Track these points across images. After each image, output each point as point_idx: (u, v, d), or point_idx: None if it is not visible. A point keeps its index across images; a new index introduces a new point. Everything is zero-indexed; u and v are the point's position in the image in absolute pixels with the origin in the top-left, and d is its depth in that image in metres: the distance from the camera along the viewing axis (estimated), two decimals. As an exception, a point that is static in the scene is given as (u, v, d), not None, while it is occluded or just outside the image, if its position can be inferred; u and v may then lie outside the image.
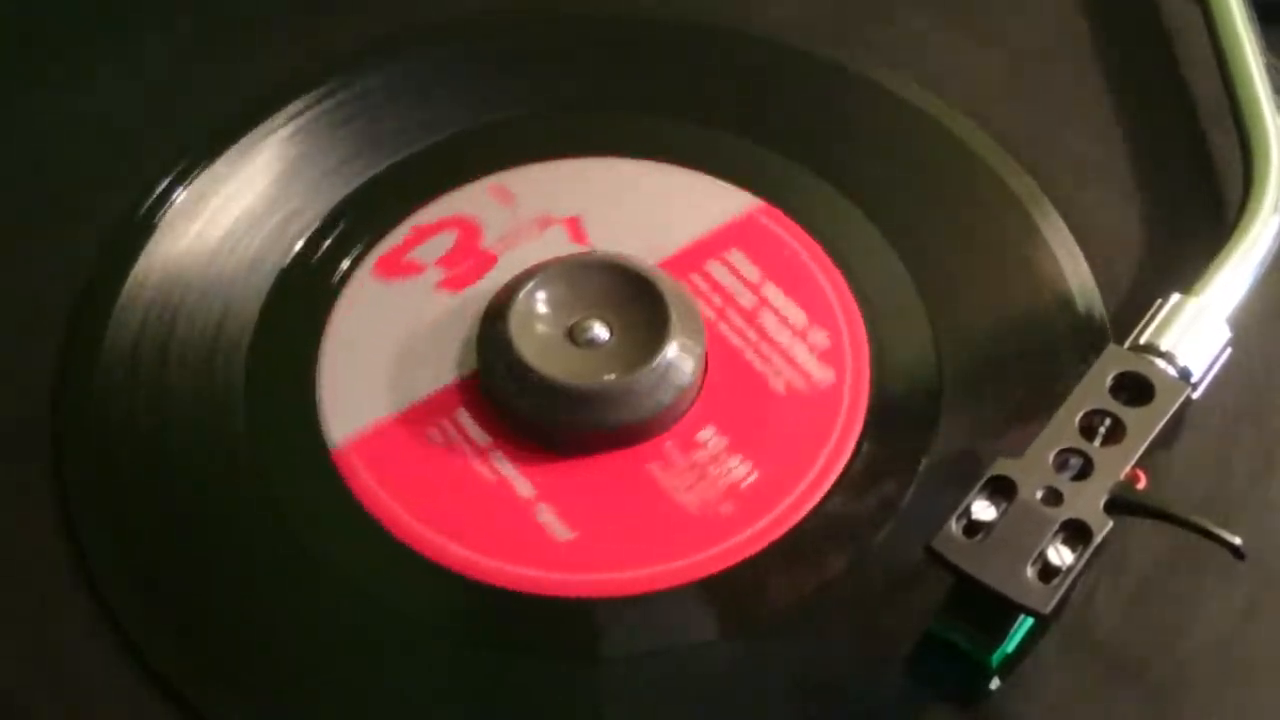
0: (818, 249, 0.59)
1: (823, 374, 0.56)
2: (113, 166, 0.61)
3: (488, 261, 0.59)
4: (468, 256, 0.59)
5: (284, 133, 0.62)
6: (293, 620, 0.53)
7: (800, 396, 0.56)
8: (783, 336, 0.57)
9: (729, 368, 0.57)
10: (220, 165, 0.61)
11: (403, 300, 0.58)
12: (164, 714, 0.51)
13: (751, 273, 0.59)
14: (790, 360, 0.57)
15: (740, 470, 0.55)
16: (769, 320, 0.58)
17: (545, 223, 0.60)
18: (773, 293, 0.58)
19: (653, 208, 0.61)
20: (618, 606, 0.53)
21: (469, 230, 0.60)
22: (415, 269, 0.59)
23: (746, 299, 0.58)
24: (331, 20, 0.66)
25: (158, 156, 0.61)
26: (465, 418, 0.56)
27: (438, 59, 0.65)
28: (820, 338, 0.57)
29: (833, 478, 0.55)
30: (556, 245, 0.59)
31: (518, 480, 0.54)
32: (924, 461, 0.55)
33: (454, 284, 0.59)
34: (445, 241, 0.60)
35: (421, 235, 0.60)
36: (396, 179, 0.61)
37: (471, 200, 0.61)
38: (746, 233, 0.60)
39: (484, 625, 0.53)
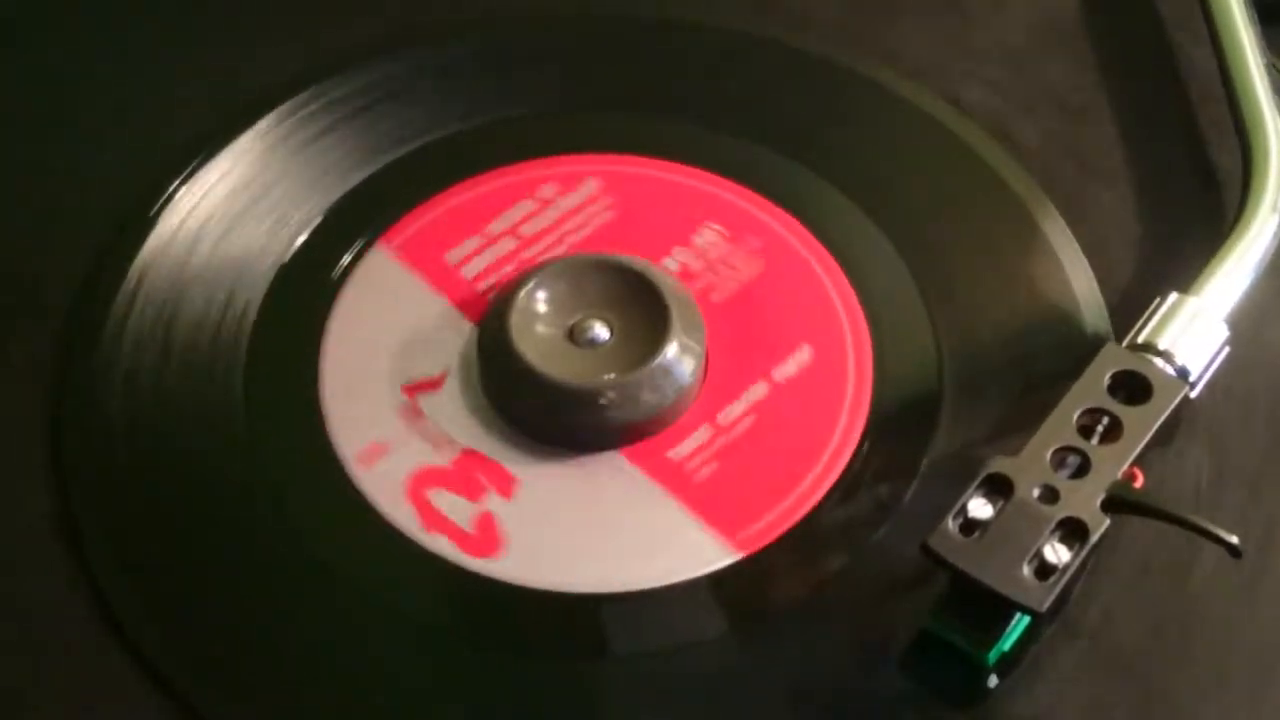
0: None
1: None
2: (113, 165, 0.62)
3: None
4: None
5: (284, 131, 0.62)
6: (292, 619, 0.53)
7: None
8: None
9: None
10: (220, 163, 0.61)
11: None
12: (164, 714, 0.51)
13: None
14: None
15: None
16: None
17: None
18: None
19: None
20: (617, 606, 0.52)
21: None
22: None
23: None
24: (331, 20, 0.66)
25: (158, 154, 0.61)
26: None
27: (437, 58, 0.65)
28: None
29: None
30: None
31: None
32: (925, 461, 0.55)
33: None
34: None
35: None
36: (396, 178, 0.61)
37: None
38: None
39: (482, 624, 0.53)
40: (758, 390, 0.56)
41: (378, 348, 0.57)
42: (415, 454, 0.55)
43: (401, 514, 0.54)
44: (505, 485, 0.54)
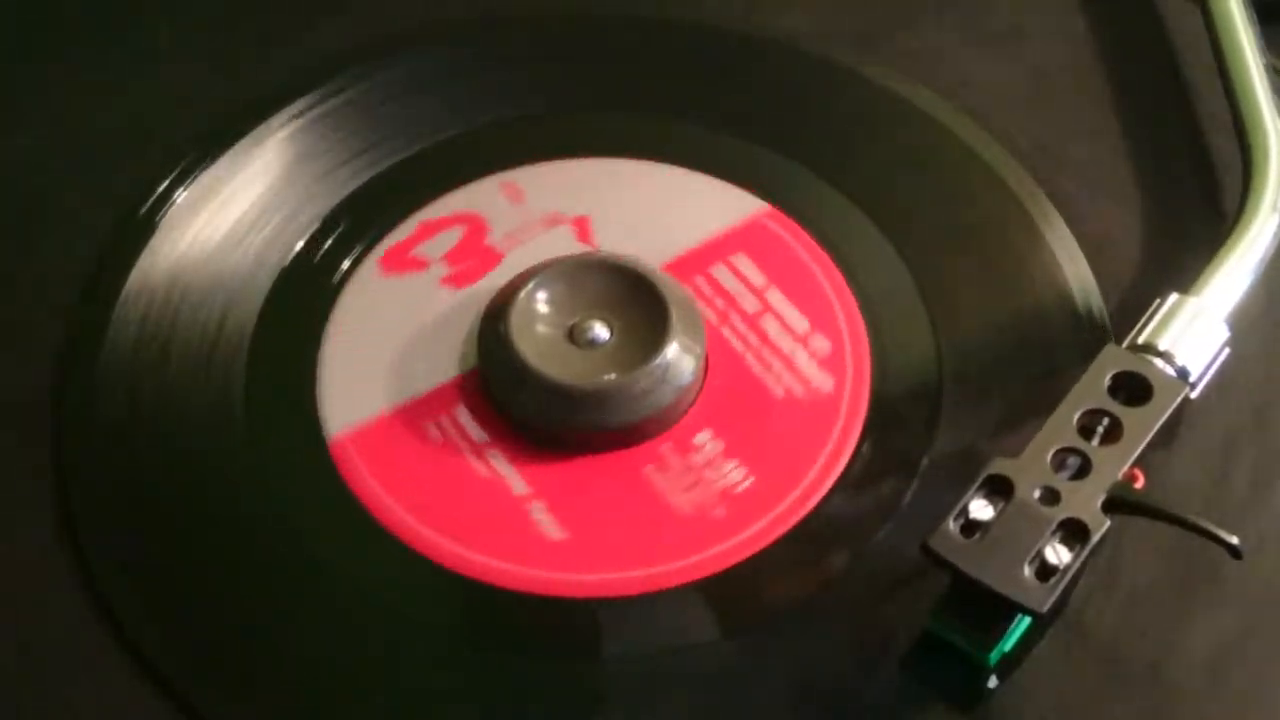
0: (820, 251, 0.59)
1: (823, 380, 0.56)
2: (114, 166, 0.62)
3: (492, 259, 0.59)
4: (473, 253, 0.59)
5: (285, 132, 0.62)
6: (292, 619, 0.53)
7: (800, 401, 0.56)
8: (784, 342, 0.57)
9: (729, 371, 0.57)
10: (221, 165, 0.61)
11: (405, 296, 0.58)
12: (163, 714, 0.51)
13: (756, 277, 0.59)
14: (791, 366, 0.57)
15: (736, 475, 0.55)
16: (771, 325, 0.58)
17: (553, 221, 0.60)
18: (776, 297, 0.58)
19: (659, 210, 0.61)
20: (615, 607, 0.53)
21: (475, 227, 0.60)
22: (420, 265, 0.59)
23: (750, 303, 0.58)
24: (332, 20, 0.66)
25: (159, 156, 0.61)
26: (465, 415, 0.56)
27: (439, 58, 0.65)
28: (822, 344, 0.57)
29: (833, 478, 0.55)
30: (563, 244, 0.59)
31: (515, 479, 0.54)
32: (924, 462, 0.55)
33: (458, 280, 0.59)
34: (451, 238, 0.60)
35: (427, 231, 0.60)
36: (397, 178, 0.61)
37: (479, 197, 0.61)
38: (751, 236, 0.60)
39: (480, 624, 0.53)
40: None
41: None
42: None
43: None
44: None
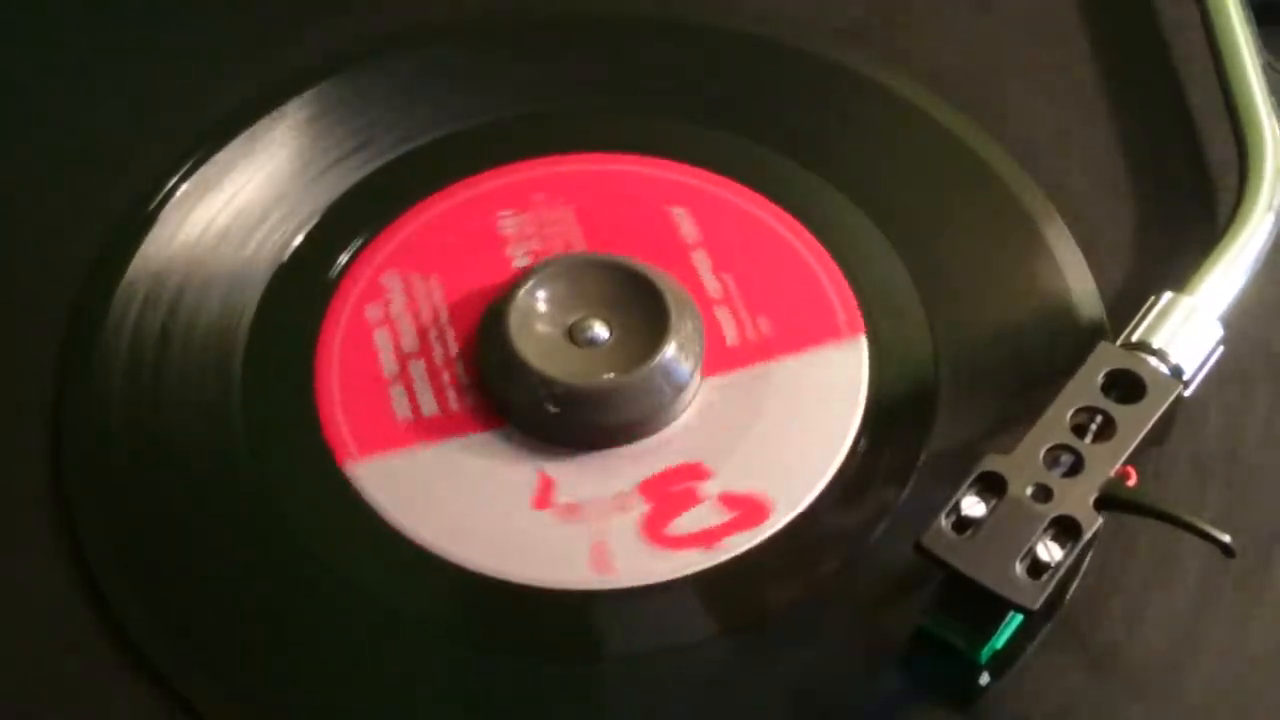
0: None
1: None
2: (112, 164, 0.62)
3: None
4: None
5: (282, 131, 0.62)
6: (292, 619, 0.53)
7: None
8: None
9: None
10: (219, 162, 0.62)
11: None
12: (164, 714, 0.51)
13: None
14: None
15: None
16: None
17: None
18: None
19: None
20: (617, 606, 0.53)
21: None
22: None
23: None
24: (332, 17, 0.66)
25: (157, 154, 0.62)
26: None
27: (437, 56, 0.65)
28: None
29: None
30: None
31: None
32: (921, 459, 0.55)
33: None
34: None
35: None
36: (395, 174, 0.61)
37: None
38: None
39: (480, 624, 0.53)
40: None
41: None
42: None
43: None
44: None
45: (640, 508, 0.54)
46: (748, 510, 0.54)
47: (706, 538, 0.53)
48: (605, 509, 0.54)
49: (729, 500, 0.54)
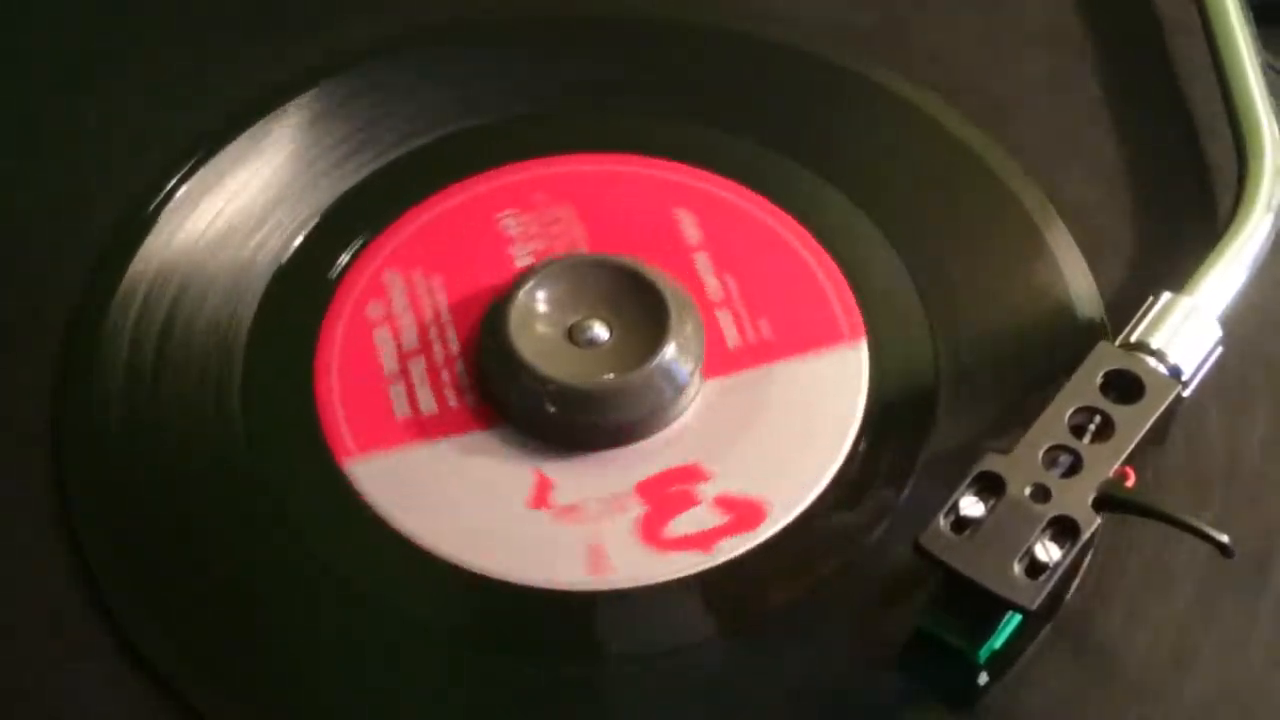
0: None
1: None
2: (113, 165, 0.62)
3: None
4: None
5: (282, 131, 0.62)
6: (292, 619, 0.53)
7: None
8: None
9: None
10: (218, 163, 0.62)
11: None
12: (164, 714, 0.51)
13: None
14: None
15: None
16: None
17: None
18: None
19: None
20: (617, 606, 0.53)
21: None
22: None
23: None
24: (332, 17, 0.66)
25: (157, 155, 0.62)
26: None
27: (438, 58, 0.65)
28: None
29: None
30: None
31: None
32: (921, 459, 0.55)
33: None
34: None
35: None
36: (396, 175, 0.61)
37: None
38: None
39: (480, 624, 0.53)
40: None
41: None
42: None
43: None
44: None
45: (638, 509, 0.54)
46: (745, 512, 0.54)
47: (704, 540, 0.53)
48: (603, 510, 0.54)
49: (726, 502, 0.54)
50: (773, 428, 0.56)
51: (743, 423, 0.56)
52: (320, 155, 0.62)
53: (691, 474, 0.55)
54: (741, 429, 0.56)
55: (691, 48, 0.66)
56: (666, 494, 0.54)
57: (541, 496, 0.54)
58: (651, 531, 0.54)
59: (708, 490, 0.54)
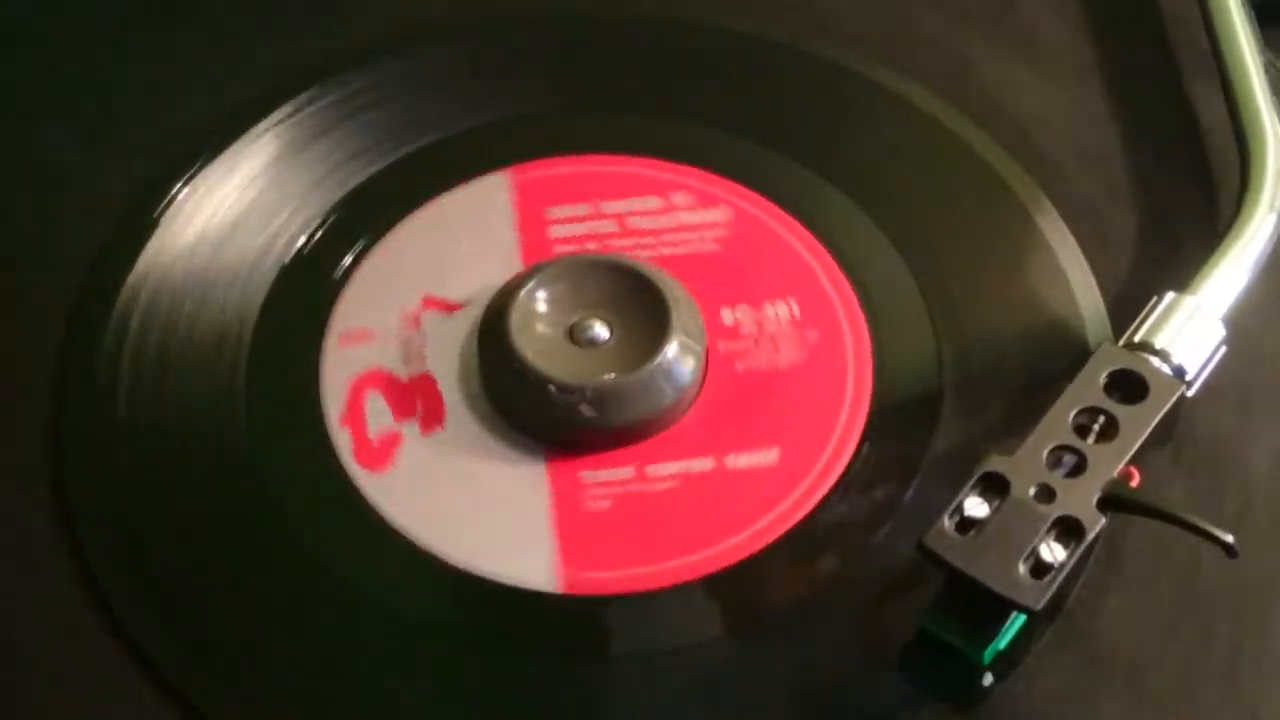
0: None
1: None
2: (114, 165, 0.62)
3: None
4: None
5: (284, 131, 0.62)
6: (293, 619, 0.53)
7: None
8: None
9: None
10: (222, 163, 0.61)
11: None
12: (164, 714, 0.51)
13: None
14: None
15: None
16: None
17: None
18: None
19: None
20: (617, 606, 0.53)
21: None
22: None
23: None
24: (331, 20, 0.66)
25: (159, 155, 0.61)
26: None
27: (438, 58, 0.65)
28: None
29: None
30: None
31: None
32: (925, 460, 0.55)
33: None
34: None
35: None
36: (398, 175, 0.61)
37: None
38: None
39: (480, 624, 0.53)
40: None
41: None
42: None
43: (332, 399, 0.56)
44: (431, 421, 0.55)
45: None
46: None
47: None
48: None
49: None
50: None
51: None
52: (323, 156, 0.62)
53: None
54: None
55: (691, 48, 0.66)
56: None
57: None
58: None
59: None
